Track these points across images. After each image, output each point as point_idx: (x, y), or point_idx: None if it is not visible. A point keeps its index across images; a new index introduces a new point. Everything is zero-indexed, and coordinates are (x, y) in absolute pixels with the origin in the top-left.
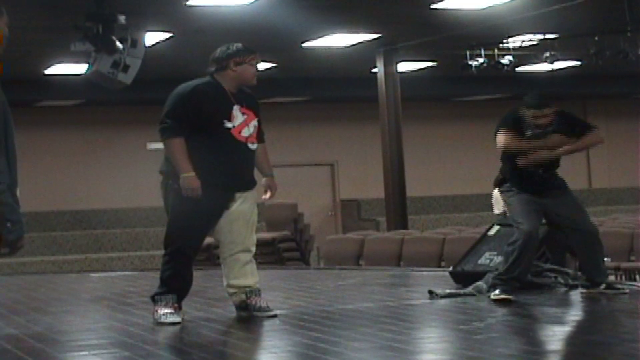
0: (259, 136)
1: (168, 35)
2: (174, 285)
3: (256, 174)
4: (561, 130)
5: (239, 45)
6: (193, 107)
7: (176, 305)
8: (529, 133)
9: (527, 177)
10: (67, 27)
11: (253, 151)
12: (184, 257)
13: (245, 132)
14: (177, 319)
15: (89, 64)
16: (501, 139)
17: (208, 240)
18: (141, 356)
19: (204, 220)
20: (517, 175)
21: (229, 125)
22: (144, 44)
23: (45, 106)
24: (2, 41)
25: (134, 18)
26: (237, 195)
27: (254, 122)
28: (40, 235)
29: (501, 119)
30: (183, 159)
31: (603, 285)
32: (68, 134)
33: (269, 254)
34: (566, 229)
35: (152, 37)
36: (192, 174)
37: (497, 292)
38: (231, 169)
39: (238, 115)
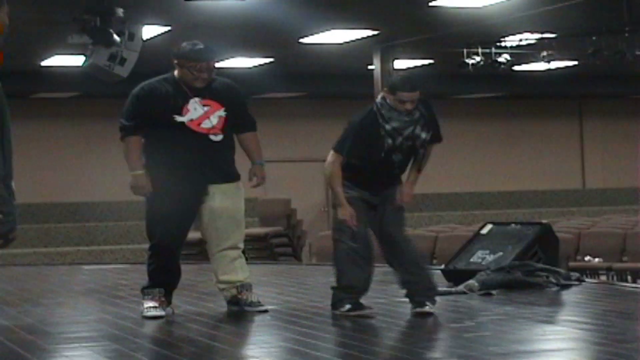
0: (244, 125)
1: (165, 29)
2: (159, 278)
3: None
4: (426, 125)
5: (187, 48)
6: (143, 105)
7: (163, 299)
8: (388, 127)
9: (366, 175)
10: (65, 19)
11: (218, 142)
12: (164, 250)
13: (207, 124)
14: (159, 313)
15: (85, 56)
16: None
17: (199, 234)
18: (131, 349)
19: (176, 213)
20: (351, 168)
21: (181, 119)
22: (142, 38)
23: (41, 98)
24: (1, 31)
25: (132, 11)
26: (212, 188)
27: (219, 113)
28: (33, 227)
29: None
30: (133, 158)
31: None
32: (63, 126)
33: (261, 249)
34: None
35: (149, 31)
36: (140, 172)
37: (347, 307)
38: (190, 162)
39: (196, 108)
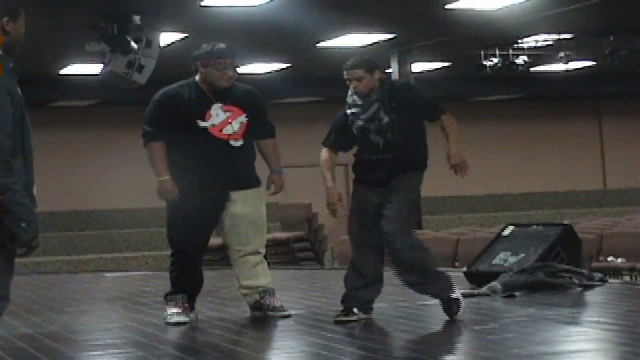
0: (264, 131)
1: (182, 35)
2: (182, 285)
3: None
4: (389, 108)
5: (209, 46)
6: (165, 110)
7: (186, 305)
8: (348, 111)
9: (365, 164)
10: (83, 27)
11: (238, 148)
12: (186, 256)
13: (228, 130)
14: (183, 319)
15: (103, 64)
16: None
17: (221, 240)
18: (155, 356)
19: (197, 219)
20: (356, 165)
21: (204, 124)
22: (159, 44)
23: (60, 106)
24: (1, 41)
25: (149, 18)
26: (233, 194)
27: (241, 119)
28: (56, 235)
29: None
30: (159, 163)
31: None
32: (83, 133)
33: (283, 254)
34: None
35: (166, 38)
36: (166, 177)
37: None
38: (211, 167)
39: (219, 114)
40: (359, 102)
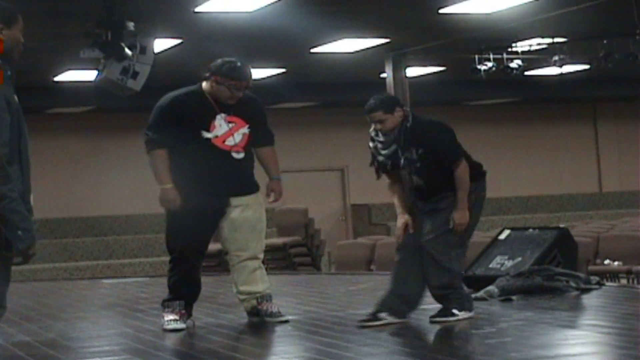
0: (264, 139)
1: (177, 41)
2: (180, 291)
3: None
4: (408, 146)
5: (228, 66)
6: (171, 117)
7: (183, 311)
8: (372, 144)
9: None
10: (77, 34)
11: (239, 160)
12: (185, 262)
13: (230, 142)
14: (179, 325)
15: (98, 70)
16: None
17: (218, 246)
18: None
19: (196, 225)
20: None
21: (208, 135)
22: (153, 51)
23: (55, 113)
24: (1, 49)
25: (143, 25)
26: (233, 200)
27: (243, 130)
28: (52, 242)
29: None
30: (161, 171)
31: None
32: (78, 140)
33: (280, 259)
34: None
35: (161, 44)
36: (169, 185)
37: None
38: (212, 177)
39: (222, 125)
40: (381, 138)
